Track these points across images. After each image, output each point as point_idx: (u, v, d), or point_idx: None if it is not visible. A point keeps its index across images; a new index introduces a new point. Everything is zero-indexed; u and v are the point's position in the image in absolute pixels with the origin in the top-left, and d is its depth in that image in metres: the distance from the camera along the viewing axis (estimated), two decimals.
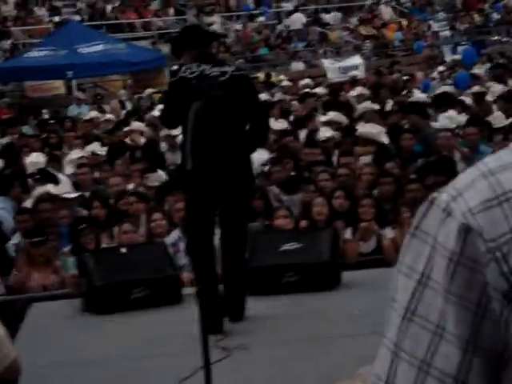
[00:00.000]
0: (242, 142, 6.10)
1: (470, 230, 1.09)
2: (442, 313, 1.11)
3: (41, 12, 26.16)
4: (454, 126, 10.20)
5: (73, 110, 16.53)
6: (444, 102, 11.36)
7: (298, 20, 27.56)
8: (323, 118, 11.10)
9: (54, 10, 26.38)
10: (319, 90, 14.82)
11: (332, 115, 10.98)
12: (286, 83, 16.29)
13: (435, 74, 17.54)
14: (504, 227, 1.09)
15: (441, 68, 18.10)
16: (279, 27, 27.71)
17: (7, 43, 23.40)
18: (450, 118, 10.43)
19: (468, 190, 1.12)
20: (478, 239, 1.09)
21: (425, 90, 15.59)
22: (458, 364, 1.11)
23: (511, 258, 1.08)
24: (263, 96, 12.08)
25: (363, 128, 9.98)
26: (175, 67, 6.54)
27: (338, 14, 29.01)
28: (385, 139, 9.80)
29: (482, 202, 1.10)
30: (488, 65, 17.68)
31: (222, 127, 5.97)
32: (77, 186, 9.28)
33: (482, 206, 1.10)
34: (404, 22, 29.20)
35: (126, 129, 11.87)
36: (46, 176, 9.10)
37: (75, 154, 10.31)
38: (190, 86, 6.01)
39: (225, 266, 6.18)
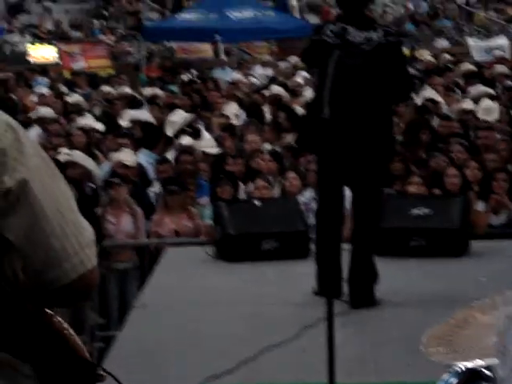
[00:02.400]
0: (384, 111, 5.85)
1: None
2: None
3: None
4: None
5: (218, 73, 16.90)
6: None
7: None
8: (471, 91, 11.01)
9: None
10: (464, 67, 14.67)
11: (477, 89, 10.91)
12: (429, 58, 16.16)
13: None
14: None
15: None
16: (424, 4, 27.37)
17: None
18: None
19: None
20: None
21: None
22: None
23: None
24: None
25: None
26: (320, 24, 6.27)
27: None
28: None
29: None
30: None
31: (362, 96, 5.74)
32: (220, 143, 9.56)
33: None
34: None
35: (266, 92, 12.10)
36: (191, 130, 9.46)
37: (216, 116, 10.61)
38: (329, 51, 5.66)
39: (356, 228, 6.06)
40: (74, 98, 12.63)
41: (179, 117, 9.98)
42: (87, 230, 1.80)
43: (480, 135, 9.10)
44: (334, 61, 5.62)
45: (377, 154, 5.89)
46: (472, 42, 19.31)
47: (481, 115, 10.01)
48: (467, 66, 14.28)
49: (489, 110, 10.12)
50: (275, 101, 11.30)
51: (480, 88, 11.40)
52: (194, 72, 16.87)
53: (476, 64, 15.19)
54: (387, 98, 5.89)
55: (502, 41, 18.81)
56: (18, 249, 1.72)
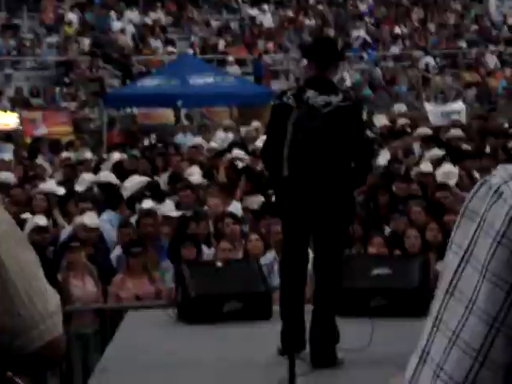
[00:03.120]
0: (342, 171, 5.90)
1: None
2: (476, 288, 1.17)
3: (156, 44, 26.99)
4: None
5: (179, 138, 17.02)
6: None
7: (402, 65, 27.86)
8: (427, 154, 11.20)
9: (168, 43, 27.18)
10: (420, 130, 14.93)
11: (433, 151, 11.09)
12: (385, 122, 16.38)
13: None
14: None
15: None
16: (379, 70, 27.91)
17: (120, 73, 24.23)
18: None
19: None
20: None
21: None
22: (482, 338, 1.17)
23: None
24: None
25: None
26: (283, 89, 6.25)
27: (432, 60, 29.06)
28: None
29: None
30: None
31: (320, 157, 5.82)
32: (178, 205, 9.62)
33: None
34: (508, 71, 29.06)
35: (228, 155, 12.21)
36: (153, 193, 9.51)
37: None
38: (291, 114, 5.80)
39: (317, 288, 6.10)
40: (37, 161, 12.66)
41: (133, 182, 10.08)
42: (53, 298, 1.82)
43: (438, 196, 9.24)
44: (293, 122, 5.76)
45: (336, 215, 5.93)
46: (430, 107, 19.67)
47: (440, 179, 10.17)
48: (424, 130, 14.54)
49: (448, 174, 10.28)
50: (233, 163, 11.42)
51: (437, 151, 11.58)
52: (154, 137, 16.98)
53: (433, 128, 15.47)
54: (346, 160, 5.95)
55: (458, 106, 19.18)
56: None
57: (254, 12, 30.66)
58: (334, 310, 6.15)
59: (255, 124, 16.56)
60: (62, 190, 10.16)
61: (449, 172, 10.36)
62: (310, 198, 5.86)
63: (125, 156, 12.90)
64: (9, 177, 11.07)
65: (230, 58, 25.69)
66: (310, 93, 5.90)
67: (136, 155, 13.36)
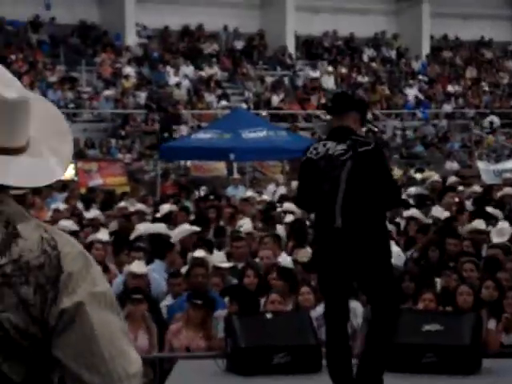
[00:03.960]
0: (371, 214, 5.94)
1: None
2: None
3: (210, 98, 27.35)
4: None
5: (230, 191, 17.15)
6: None
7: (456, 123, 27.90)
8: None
9: (223, 97, 27.53)
10: (474, 188, 14.87)
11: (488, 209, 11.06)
12: (436, 178, 16.28)
13: None
14: None
15: None
16: (435, 127, 27.91)
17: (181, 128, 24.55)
18: None
19: None
20: None
21: None
22: None
23: None
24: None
25: None
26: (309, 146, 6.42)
27: (496, 118, 28.98)
28: None
29: None
30: None
31: (348, 204, 5.91)
32: (230, 256, 9.66)
33: None
34: None
35: (278, 209, 12.27)
36: (203, 243, 9.57)
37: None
38: (315, 168, 6.01)
39: (368, 342, 6.11)
40: (91, 213, 12.81)
41: (182, 230, 10.18)
42: (136, 361, 1.87)
43: (492, 253, 9.18)
44: (317, 174, 5.98)
45: (375, 259, 5.96)
46: (482, 165, 19.59)
47: (494, 236, 10.13)
48: (475, 188, 14.46)
49: (502, 231, 10.23)
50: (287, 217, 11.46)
51: (491, 210, 11.53)
52: (204, 189, 17.12)
53: (485, 186, 15.39)
54: (374, 203, 5.96)
55: (511, 164, 19.06)
56: (65, 367, 1.79)
57: (307, 68, 30.96)
58: (384, 366, 6.11)
59: None
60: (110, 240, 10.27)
61: (503, 229, 10.31)
62: (346, 248, 5.92)
63: (175, 207, 13.01)
64: (68, 225, 11.15)
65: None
66: (329, 144, 6.07)
67: (188, 206, 13.48)
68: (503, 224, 10.52)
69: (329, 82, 29.40)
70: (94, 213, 12.85)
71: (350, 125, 6.17)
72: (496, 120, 28.76)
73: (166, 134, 23.63)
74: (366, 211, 5.91)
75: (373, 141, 6.33)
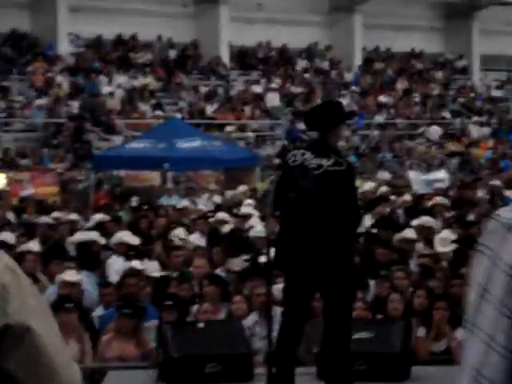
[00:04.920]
0: (333, 230, 6.07)
1: None
2: (495, 324, 1.19)
3: (144, 107, 27.24)
4: None
5: (164, 201, 17.07)
6: None
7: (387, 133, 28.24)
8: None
9: (157, 106, 27.43)
10: (405, 198, 15.05)
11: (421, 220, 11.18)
12: (367, 188, 16.43)
13: None
14: None
15: None
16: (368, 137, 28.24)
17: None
18: None
19: None
20: None
21: None
22: (502, 373, 1.19)
23: None
24: None
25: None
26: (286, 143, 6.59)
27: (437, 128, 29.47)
28: None
29: None
30: None
31: (314, 219, 6.06)
32: (164, 265, 9.63)
33: None
34: (491, 142, 29.49)
35: (212, 219, 12.27)
36: (137, 253, 9.53)
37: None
38: (289, 173, 6.20)
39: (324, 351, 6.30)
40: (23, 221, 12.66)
41: (115, 240, 10.13)
42: (78, 371, 1.90)
43: (420, 263, 9.31)
44: (290, 181, 6.14)
45: (335, 272, 6.10)
46: (413, 175, 19.87)
47: (437, 245, 10.24)
48: (407, 198, 14.65)
49: (445, 241, 10.33)
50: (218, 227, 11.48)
51: (423, 218, 11.65)
52: (136, 199, 17.01)
53: (416, 196, 15.60)
54: (336, 221, 6.10)
55: (441, 174, 19.38)
56: (15, 379, 1.79)
57: (241, 78, 31.06)
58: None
59: (241, 188, 16.65)
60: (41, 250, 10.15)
61: (446, 238, 10.36)
62: (305, 256, 6.07)
63: (107, 217, 12.91)
64: (8, 237, 11.00)
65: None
66: (307, 155, 6.17)
67: (120, 216, 13.39)
68: (446, 233, 10.62)
69: (274, 100, 29.23)
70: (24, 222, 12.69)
71: (331, 140, 6.30)
72: (440, 131, 29.23)
73: (77, 145, 23.42)
74: (330, 227, 6.04)
75: (345, 162, 6.36)
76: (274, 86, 30.13)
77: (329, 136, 6.28)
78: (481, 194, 16.21)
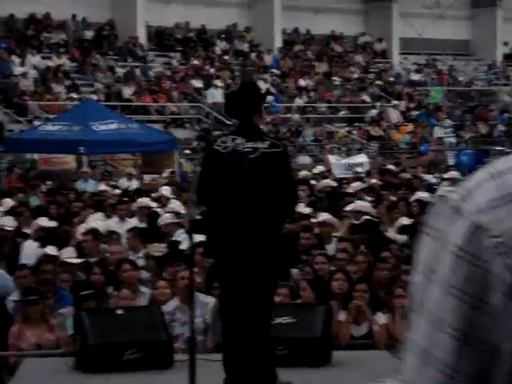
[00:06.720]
0: (270, 214, 6.01)
1: (477, 228, 1.17)
2: (441, 305, 1.18)
3: (59, 89, 26.70)
4: None
5: (80, 185, 16.77)
6: None
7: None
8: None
9: (72, 88, 26.92)
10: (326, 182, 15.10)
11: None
12: None
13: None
14: (508, 224, 1.17)
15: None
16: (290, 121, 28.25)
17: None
18: None
19: (477, 190, 1.20)
20: (483, 236, 1.17)
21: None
22: (452, 353, 1.18)
23: None
24: None
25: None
26: (217, 133, 6.41)
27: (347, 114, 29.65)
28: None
29: (489, 201, 1.18)
30: None
31: (251, 201, 5.96)
32: (81, 252, 9.41)
33: (488, 205, 1.18)
34: (411, 126, 29.84)
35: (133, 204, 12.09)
36: (53, 239, 9.29)
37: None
38: (221, 160, 6.01)
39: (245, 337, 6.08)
40: None
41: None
42: None
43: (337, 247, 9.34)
44: (224, 168, 5.99)
45: (265, 257, 5.99)
46: (333, 159, 19.97)
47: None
48: (328, 182, 14.68)
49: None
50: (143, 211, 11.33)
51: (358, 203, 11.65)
52: (50, 183, 16.67)
53: (336, 180, 15.66)
54: (273, 203, 6.02)
55: (361, 158, 19.52)
56: None
57: (159, 60, 30.71)
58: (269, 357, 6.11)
59: (160, 171, 16.48)
60: None
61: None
62: (242, 241, 5.94)
63: (15, 203, 12.59)
64: None
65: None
66: (239, 139, 6.08)
67: (27, 201, 13.08)
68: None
69: (216, 96, 28.54)
70: None
71: (257, 123, 6.28)
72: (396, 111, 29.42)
73: None
74: (267, 211, 5.97)
75: (281, 144, 6.30)
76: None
77: (254, 119, 6.22)
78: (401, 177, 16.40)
